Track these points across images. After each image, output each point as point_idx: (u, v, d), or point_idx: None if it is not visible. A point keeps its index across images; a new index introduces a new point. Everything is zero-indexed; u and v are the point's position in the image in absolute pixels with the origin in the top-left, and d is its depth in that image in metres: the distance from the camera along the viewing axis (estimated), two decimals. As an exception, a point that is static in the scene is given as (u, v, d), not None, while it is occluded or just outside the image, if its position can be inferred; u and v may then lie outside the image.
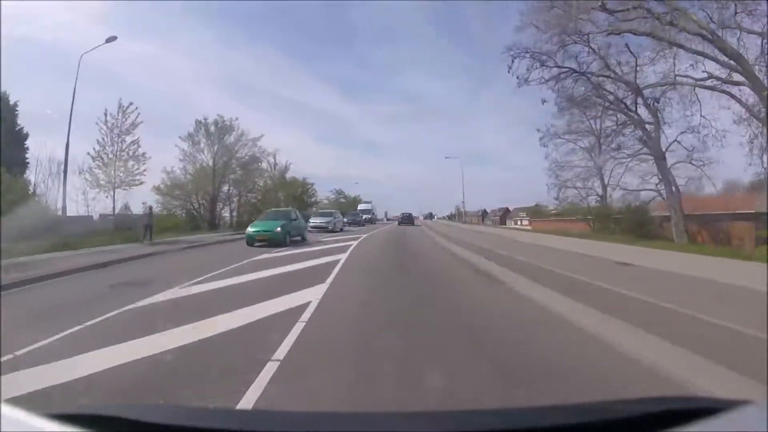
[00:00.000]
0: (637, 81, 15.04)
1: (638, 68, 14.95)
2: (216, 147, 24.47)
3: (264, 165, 29.11)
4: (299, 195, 33.28)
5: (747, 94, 12.48)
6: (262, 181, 29.14)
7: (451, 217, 75.89)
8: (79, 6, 39.40)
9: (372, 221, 39.09)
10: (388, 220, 72.51)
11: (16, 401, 0.76)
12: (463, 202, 48.46)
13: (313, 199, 37.15)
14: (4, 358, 2.92)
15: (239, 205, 26.84)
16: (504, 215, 77.91)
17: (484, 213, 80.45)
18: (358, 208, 41.48)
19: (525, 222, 56.33)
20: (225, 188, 25.53)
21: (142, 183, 19.41)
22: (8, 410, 0.78)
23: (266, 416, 1.04)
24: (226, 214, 26.32)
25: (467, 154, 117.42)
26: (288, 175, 33.25)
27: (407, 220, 37.72)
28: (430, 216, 76.82)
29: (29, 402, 2.02)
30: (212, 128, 24.51)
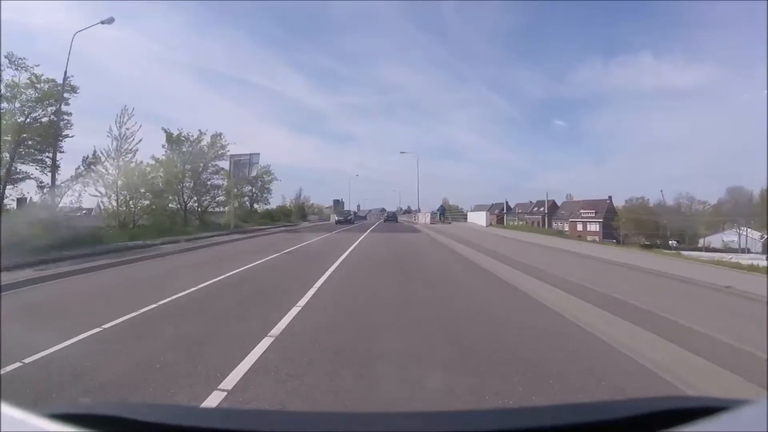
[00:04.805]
0: None
1: None
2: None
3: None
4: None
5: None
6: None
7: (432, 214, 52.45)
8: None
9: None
10: (341, 219, 38.34)
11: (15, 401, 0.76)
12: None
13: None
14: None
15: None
16: (550, 212, 52.77)
17: (506, 209, 59.35)
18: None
19: (594, 227, 40.56)
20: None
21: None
22: (8, 410, 0.78)
23: (266, 416, 1.04)
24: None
25: (440, 149, 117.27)
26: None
27: (392, 217, 44.03)
28: (442, 213, 40.70)
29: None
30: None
